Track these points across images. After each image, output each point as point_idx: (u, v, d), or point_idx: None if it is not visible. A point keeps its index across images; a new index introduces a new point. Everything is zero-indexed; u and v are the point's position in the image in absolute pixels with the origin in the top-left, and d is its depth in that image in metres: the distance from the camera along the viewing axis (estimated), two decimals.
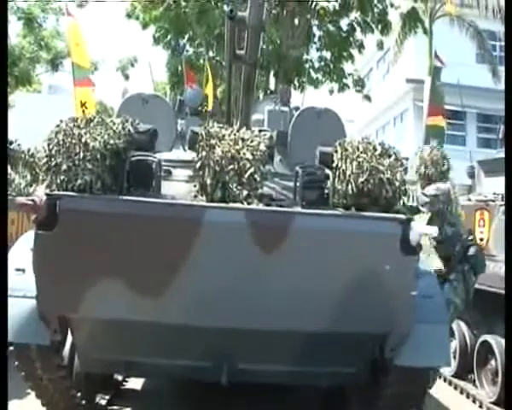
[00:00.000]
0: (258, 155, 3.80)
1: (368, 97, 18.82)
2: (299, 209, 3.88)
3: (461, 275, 5.81)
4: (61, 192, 3.60)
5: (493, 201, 6.54)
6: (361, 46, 17.09)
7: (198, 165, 3.79)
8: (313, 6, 15.52)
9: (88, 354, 4.35)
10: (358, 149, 3.84)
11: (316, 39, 17.03)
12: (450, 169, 6.10)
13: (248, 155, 3.76)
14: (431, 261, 5.65)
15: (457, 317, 6.90)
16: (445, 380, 7.14)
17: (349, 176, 3.75)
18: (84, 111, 10.63)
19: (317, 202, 3.92)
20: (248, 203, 3.70)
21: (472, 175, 8.13)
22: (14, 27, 22.39)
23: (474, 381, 6.66)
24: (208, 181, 3.72)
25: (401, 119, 29.76)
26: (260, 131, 4.31)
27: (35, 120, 19.72)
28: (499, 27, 20.83)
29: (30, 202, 3.60)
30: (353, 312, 3.80)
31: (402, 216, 3.68)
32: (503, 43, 22.58)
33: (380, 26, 16.44)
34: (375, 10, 16.24)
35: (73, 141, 3.68)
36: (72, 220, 3.56)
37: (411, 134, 25.33)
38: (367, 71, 32.07)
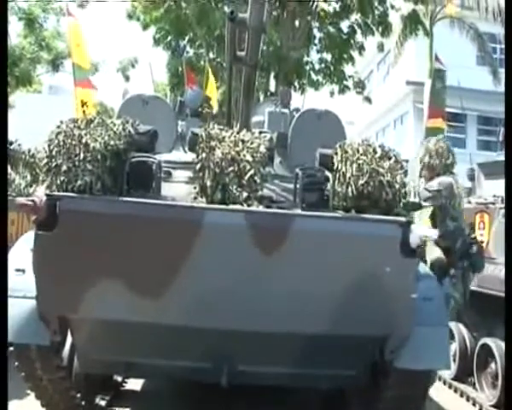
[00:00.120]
0: (258, 156, 3.80)
1: (368, 99, 18.81)
2: (299, 211, 3.88)
3: (460, 271, 5.82)
4: (61, 193, 3.60)
5: (493, 203, 6.54)
6: (361, 48, 17.09)
7: (198, 166, 3.79)
8: (314, 8, 15.52)
9: (88, 354, 4.35)
10: (358, 151, 3.83)
11: (316, 41, 17.04)
12: (455, 163, 6.10)
13: (248, 157, 3.76)
14: (431, 252, 5.64)
15: (457, 320, 6.92)
16: (444, 383, 7.13)
17: (349, 178, 3.74)
18: (84, 111, 10.65)
19: (317, 204, 3.92)
20: (248, 205, 3.70)
21: (472, 178, 8.14)
22: (15, 28, 22.43)
23: (474, 384, 6.64)
24: (208, 183, 3.72)
25: (401, 121, 29.80)
26: (260, 132, 4.31)
27: (35, 121, 19.76)
28: (499, 30, 20.86)
29: (30, 203, 3.60)
30: (353, 314, 3.80)
31: (402, 219, 3.68)
32: (503, 46, 22.57)
33: (380, 28, 16.44)
34: (376, 12, 16.24)
35: (74, 142, 3.68)
36: (72, 221, 3.56)
37: (411, 136, 25.34)
38: (367, 73, 32.13)
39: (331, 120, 5.61)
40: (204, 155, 3.78)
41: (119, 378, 5.80)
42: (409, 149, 17.60)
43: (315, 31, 16.83)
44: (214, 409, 5.34)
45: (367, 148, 3.87)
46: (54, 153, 3.68)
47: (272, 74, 16.48)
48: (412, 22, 18.54)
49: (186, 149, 4.72)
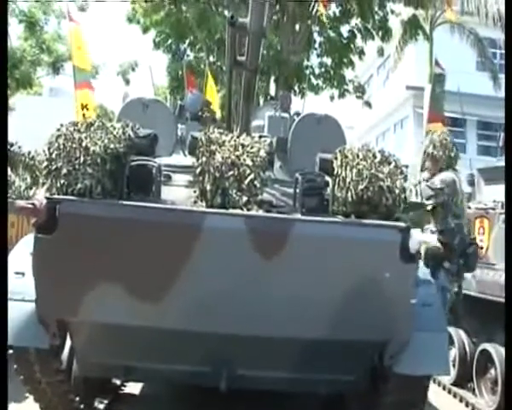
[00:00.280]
0: (258, 161, 3.80)
1: (368, 104, 18.85)
2: (298, 216, 3.88)
3: (456, 267, 5.83)
4: (61, 196, 3.59)
5: (493, 209, 6.54)
6: (361, 53, 17.13)
7: (198, 170, 3.78)
8: (314, 12, 15.54)
9: (87, 358, 4.35)
10: (358, 156, 3.83)
11: (316, 45, 17.08)
12: (458, 157, 6.10)
13: (248, 162, 3.75)
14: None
15: (456, 325, 6.92)
16: (444, 388, 7.12)
17: (349, 183, 3.74)
18: (84, 115, 10.66)
19: (317, 208, 3.92)
20: (248, 209, 3.69)
21: (472, 183, 8.14)
22: (16, 30, 22.46)
23: (474, 390, 6.64)
24: (208, 187, 3.71)
25: (401, 125, 29.83)
26: (260, 137, 4.31)
27: (36, 123, 19.75)
28: (499, 35, 20.88)
29: (30, 206, 3.60)
30: (352, 319, 3.80)
31: (401, 224, 3.68)
32: (503, 51, 22.63)
33: (380, 33, 16.48)
34: (376, 17, 16.29)
35: (74, 145, 3.68)
36: (72, 224, 3.56)
37: (411, 141, 25.36)
38: (367, 77, 32.16)
39: (331, 125, 5.62)
40: (204, 159, 3.77)
41: (118, 382, 5.79)
42: (409, 154, 17.63)
43: (315, 35, 16.89)
44: None
45: (367, 153, 3.87)
46: (54, 156, 3.67)
47: (272, 78, 16.51)
48: (412, 27, 18.62)
49: (186, 152, 4.72)
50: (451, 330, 6.71)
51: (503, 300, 5.21)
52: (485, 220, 6.61)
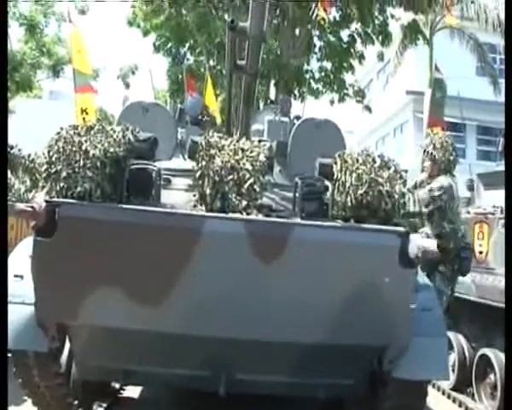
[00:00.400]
0: (257, 165, 3.80)
1: (368, 108, 18.86)
2: (298, 220, 3.87)
3: (450, 271, 5.84)
4: (61, 199, 3.59)
5: (492, 214, 6.54)
6: (361, 57, 17.14)
7: (197, 174, 3.79)
8: (314, 16, 15.57)
9: (86, 361, 4.34)
10: (358, 160, 3.84)
11: (316, 50, 17.08)
12: (457, 162, 6.10)
13: (248, 166, 3.76)
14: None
15: (456, 330, 6.92)
16: (443, 393, 7.11)
17: (348, 188, 3.75)
18: (84, 118, 10.66)
19: (317, 213, 3.92)
20: (247, 214, 3.69)
21: (471, 188, 8.14)
22: (16, 33, 22.51)
23: (473, 395, 6.63)
24: (208, 191, 3.71)
25: (401, 130, 29.82)
26: (260, 141, 4.31)
27: (35, 126, 19.74)
28: (499, 40, 20.92)
29: (29, 209, 3.60)
30: (352, 324, 3.79)
31: (401, 229, 3.68)
32: (503, 57, 22.69)
33: (380, 38, 16.50)
34: (376, 22, 16.31)
35: (73, 148, 3.68)
36: (72, 228, 3.56)
37: (411, 146, 25.35)
38: (367, 82, 32.18)
39: (330, 130, 5.63)
40: (203, 163, 3.77)
41: (117, 385, 5.78)
42: (409, 159, 17.64)
43: (315, 39, 16.89)
44: None
45: (366, 157, 3.87)
46: (54, 159, 3.68)
47: (272, 82, 16.53)
48: (412, 32, 18.64)
49: (186, 156, 4.72)
50: (451, 334, 6.71)
51: (502, 305, 5.21)
52: (484, 225, 6.60)
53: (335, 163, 3.91)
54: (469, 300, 6.60)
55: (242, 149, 3.85)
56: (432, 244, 4.04)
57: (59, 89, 33.50)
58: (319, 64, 17.44)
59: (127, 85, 22.44)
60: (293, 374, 4.24)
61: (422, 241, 4.03)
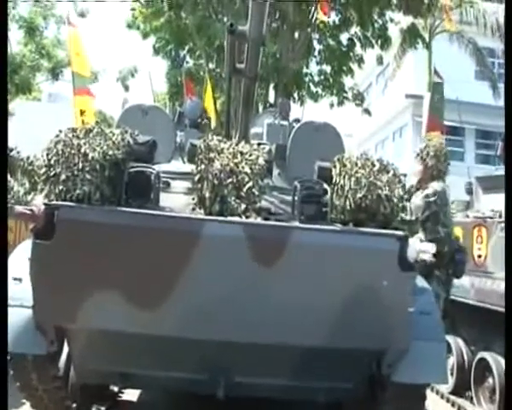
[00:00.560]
0: (256, 168, 3.80)
1: (367, 111, 18.86)
2: (297, 224, 3.87)
3: (445, 275, 5.85)
4: (60, 202, 3.59)
5: (491, 218, 6.54)
6: (361, 61, 17.14)
7: (196, 178, 3.79)
8: (313, 20, 15.59)
9: (84, 364, 4.33)
10: (357, 164, 3.84)
11: (316, 53, 17.10)
12: (447, 171, 6.15)
13: (247, 169, 3.76)
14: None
15: (455, 334, 6.92)
16: (442, 397, 7.11)
17: (347, 191, 3.75)
18: (83, 120, 10.67)
19: (315, 216, 3.91)
20: (246, 217, 3.69)
21: (470, 191, 8.14)
22: (16, 35, 22.50)
23: (472, 398, 6.63)
24: (207, 194, 3.71)
25: (400, 134, 29.87)
26: (259, 144, 4.32)
27: (34, 128, 19.73)
28: (498, 45, 20.97)
29: (28, 211, 3.61)
30: (350, 327, 3.79)
31: (400, 232, 3.68)
32: (501, 61, 22.75)
33: (380, 41, 16.50)
34: (375, 25, 16.31)
35: (72, 151, 3.68)
36: (70, 230, 3.56)
37: (410, 149, 25.38)
38: (366, 85, 32.21)
39: (329, 133, 5.63)
40: (203, 166, 3.77)
41: (116, 389, 5.77)
42: (408, 162, 17.62)
43: (314, 43, 16.91)
44: None
45: (365, 161, 3.87)
46: (52, 162, 3.67)
47: (272, 85, 16.52)
48: (411, 36, 18.67)
49: (185, 159, 4.72)
50: (449, 338, 6.70)
51: (501, 309, 5.22)
52: (483, 229, 6.61)
53: (334, 167, 3.91)
54: (468, 303, 6.60)
55: (241, 153, 3.85)
56: (430, 248, 4.04)
57: (58, 91, 33.51)
58: (318, 67, 17.44)
59: (126, 88, 22.41)
60: (292, 377, 4.23)
61: (421, 245, 4.04)
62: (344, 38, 16.97)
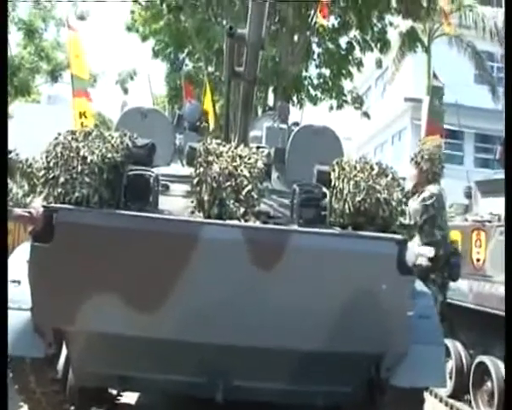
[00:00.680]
0: (255, 172, 3.80)
1: (367, 114, 18.86)
2: (295, 227, 3.87)
3: (440, 278, 5.86)
4: (58, 205, 3.59)
5: (490, 221, 6.55)
6: (360, 64, 17.14)
7: (195, 181, 3.78)
8: (313, 23, 15.60)
9: (82, 367, 4.33)
10: (356, 168, 3.84)
11: (315, 56, 17.10)
12: (442, 175, 6.17)
13: (246, 173, 3.75)
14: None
15: (453, 337, 6.92)
16: (441, 400, 7.10)
17: (346, 195, 3.75)
18: (82, 123, 10.68)
19: (314, 220, 3.91)
20: (245, 220, 3.69)
21: (469, 195, 8.15)
22: (15, 37, 22.53)
23: (470, 402, 6.63)
24: (205, 197, 3.71)
25: (399, 137, 29.88)
26: (258, 147, 4.31)
27: (33, 130, 19.72)
28: (497, 49, 21.00)
29: (27, 214, 3.60)
30: (349, 331, 3.79)
31: (398, 236, 3.68)
32: (500, 65, 22.79)
33: (379, 45, 16.51)
34: (375, 29, 16.32)
35: (71, 154, 3.67)
36: (69, 233, 3.56)
37: (409, 153, 25.37)
38: (366, 89, 32.24)
39: (328, 136, 5.62)
40: (201, 169, 3.77)
41: (114, 392, 5.76)
42: (407, 166, 17.58)
43: (314, 46, 16.91)
44: None
45: (364, 165, 3.88)
46: (51, 164, 3.67)
47: (271, 89, 16.53)
48: (410, 39, 18.70)
49: (184, 162, 4.72)
50: (448, 341, 6.70)
51: (499, 312, 5.22)
52: (481, 233, 6.61)
53: (333, 170, 3.92)
54: (467, 307, 6.60)
55: (240, 156, 3.85)
56: (429, 251, 4.05)
57: (57, 93, 33.52)
58: (318, 71, 17.43)
59: (126, 91, 22.46)
60: (291, 381, 4.23)
61: (420, 248, 4.04)
62: (343, 41, 16.99)
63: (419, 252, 3.86)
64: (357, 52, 16.86)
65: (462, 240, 6.85)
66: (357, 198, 3.72)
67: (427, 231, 5.77)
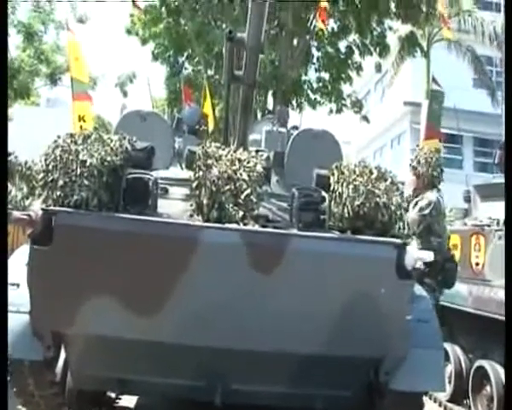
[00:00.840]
0: (254, 175, 3.80)
1: (366, 118, 18.89)
2: (294, 231, 3.87)
3: (435, 283, 5.86)
4: (57, 208, 3.59)
5: (489, 226, 6.55)
6: (359, 68, 17.18)
7: (194, 184, 3.78)
8: (312, 27, 15.63)
9: (81, 370, 4.32)
10: (355, 172, 3.84)
11: (314, 60, 17.14)
12: (441, 179, 6.16)
13: (245, 176, 3.75)
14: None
15: (452, 341, 6.91)
16: (440, 405, 7.10)
17: (345, 199, 3.75)
18: (81, 126, 10.68)
19: (313, 224, 3.90)
20: (244, 224, 3.69)
21: (468, 199, 8.15)
22: (14, 40, 22.54)
23: (470, 406, 6.62)
24: (204, 201, 3.71)
25: (398, 141, 29.92)
26: (257, 151, 4.32)
27: (33, 133, 19.74)
28: (496, 53, 21.04)
29: (26, 217, 3.60)
30: (348, 335, 3.79)
31: (397, 240, 3.68)
32: (499, 69, 22.83)
33: (378, 49, 16.55)
34: (374, 33, 16.36)
35: (70, 157, 3.67)
36: (68, 236, 3.55)
37: (409, 156, 25.38)
38: (365, 93, 32.29)
39: (328, 140, 5.62)
40: (201, 172, 3.77)
41: (113, 395, 5.74)
42: (406, 170, 17.58)
43: (313, 50, 16.95)
44: None
45: (363, 169, 3.88)
46: (50, 167, 3.66)
47: (270, 93, 16.55)
48: (410, 43, 18.74)
49: (183, 166, 4.72)
50: (447, 346, 6.70)
51: (499, 316, 5.22)
52: (480, 237, 6.61)
53: (332, 174, 3.92)
54: (466, 311, 6.60)
55: (239, 160, 3.84)
56: (427, 256, 4.05)
57: (56, 96, 33.55)
58: (317, 75, 17.47)
59: (125, 94, 22.47)
60: (290, 385, 4.22)
61: (419, 252, 4.04)
62: (342, 45, 17.03)
63: (418, 256, 3.86)
64: (356, 56, 16.91)
65: (462, 244, 6.85)
66: (357, 202, 3.72)
67: (424, 237, 5.77)
